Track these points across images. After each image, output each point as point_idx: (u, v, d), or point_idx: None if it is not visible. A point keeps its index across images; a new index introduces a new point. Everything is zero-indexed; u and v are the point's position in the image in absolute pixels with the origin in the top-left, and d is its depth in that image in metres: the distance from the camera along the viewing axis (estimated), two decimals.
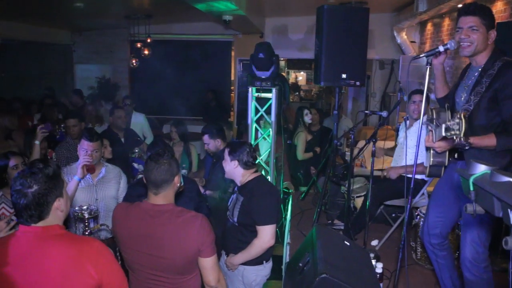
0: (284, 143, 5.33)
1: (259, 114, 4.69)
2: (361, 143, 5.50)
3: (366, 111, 4.78)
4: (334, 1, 7.72)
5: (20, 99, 7.87)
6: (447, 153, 2.92)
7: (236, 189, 3.40)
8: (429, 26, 9.07)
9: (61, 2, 7.62)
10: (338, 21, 4.34)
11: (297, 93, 17.05)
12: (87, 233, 3.17)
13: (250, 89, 4.59)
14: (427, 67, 2.80)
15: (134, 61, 10.15)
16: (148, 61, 10.27)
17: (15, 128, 5.92)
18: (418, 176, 4.38)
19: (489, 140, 2.67)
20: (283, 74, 16.44)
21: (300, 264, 2.90)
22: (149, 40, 9.98)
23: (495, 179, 1.53)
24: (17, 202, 1.92)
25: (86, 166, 3.61)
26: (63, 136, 5.48)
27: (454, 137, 2.30)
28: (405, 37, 9.48)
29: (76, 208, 3.22)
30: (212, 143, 4.54)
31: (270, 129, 4.64)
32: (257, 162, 4.58)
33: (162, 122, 10.12)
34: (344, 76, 4.34)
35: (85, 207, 3.23)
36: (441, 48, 2.80)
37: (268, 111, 4.67)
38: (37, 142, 4.36)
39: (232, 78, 11.61)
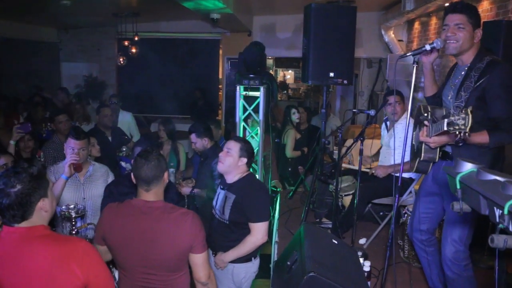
0: (272, 141, 5.33)
1: (247, 113, 4.69)
2: (349, 142, 5.52)
3: (353, 110, 4.80)
4: None
5: (6, 97, 7.78)
6: (438, 149, 2.94)
7: (221, 186, 3.41)
8: (416, 25, 9.12)
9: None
10: (326, 20, 4.34)
11: (285, 91, 17.04)
12: (74, 232, 3.14)
13: (238, 87, 4.58)
14: (413, 66, 2.81)
15: (121, 59, 10.08)
16: (136, 59, 10.22)
17: (0, 126, 5.86)
18: (405, 175, 4.41)
19: (482, 137, 2.68)
20: (271, 72, 16.44)
21: (288, 263, 2.89)
22: (136, 38, 9.92)
23: (481, 177, 1.53)
24: (0, 202, 1.90)
25: (73, 164, 3.57)
26: (50, 135, 5.43)
27: (457, 132, 2.29)
28: (393, 35, 9.52)
29: (63, 207, 3.19)
30: (200, 142, 4.52)
31: (258, 128, 4.63)
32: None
33: (150, 121, 10.08)
34: (331, 74, 4.35)
35: (72, 206, 3.19)
36: (427, 47, 2.82)
37: (256, 110, 4.66)
38: (12, 142, 4.31)
39: (220, 76, 11.59)
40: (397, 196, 3.00)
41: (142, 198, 2.52)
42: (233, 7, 7.14)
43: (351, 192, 4.76)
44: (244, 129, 4.78)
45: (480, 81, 2.74)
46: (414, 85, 2.86)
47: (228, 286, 3.35)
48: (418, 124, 2.96)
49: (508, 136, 2.69)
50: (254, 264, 3.39)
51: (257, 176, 4.64)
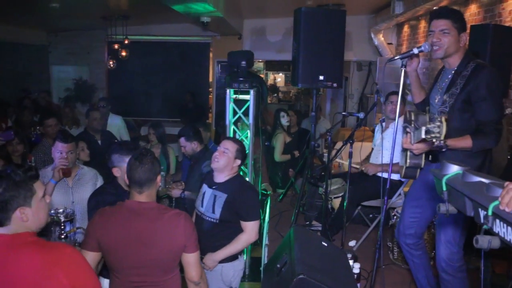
0: (262, 144, 5.34)
1: (237, 116, 4.69)
2: (339, 144, 5.53)
3: (343, 113, 4.82)
4: (312, 3, 7.77)
5: None
6: (424, 155, 2.97)
7: (207, 185, 3.44)
8: (405, 28, 9.20)
9: (36, 2, 7.50)
10: (316, 23, 4.37)
11: (275, 94, 17.08)
12: (63, 236, 3.13)
13: (228, 91, 4.58)
14: (401, 69, 2.84)
15: (111, 62, 10.04)
16: (126, 63, 10.20)
17: None
18: (394, 177, 4.43)
19: (465, 142, 2.72)
20: (262, 75, 16.46)
21: (278, 266, 2.91)
22: (126, 42, 9.90)
23: (466, 179, 1.55)
24: None
25: (62, 169, 3.56)
26: (39, 139, 5.40)
27: (434, 140, 2.34)
28: (382, 39, 9.59)
29: (52, 211, 3.17)
30: (189, 146, 4.52)
31: (248, 131, 4.64)
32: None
33: (140, 124, 10.05)
34: (321, 77, 4.37)
35: (61, 210, 3.18)
36: (415, 50, 2.84)
37: (246, 113, 4.66)
38: None
39: (210, 79, 11.59)
40: (385, 198, 3.02)
41: (135, 199, 2.54)
42: (223, 10, 7.14)
43: (340, 195, 4.78)
44: (234, 132, 4.78)
45: (466, 86, 2.78)
46: (405, 88, 2.89)
47: (218, 287, 3.39)
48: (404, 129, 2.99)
49: (490, 140, 2.73)
50: (241, 261, 3.48)
51: (247, 179, 4.65)
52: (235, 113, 4.69)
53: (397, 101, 4.49)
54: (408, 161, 2.98)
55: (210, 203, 3.34)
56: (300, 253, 2.78)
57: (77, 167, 3.82)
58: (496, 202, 1.31)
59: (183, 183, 4.48)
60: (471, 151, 2.74)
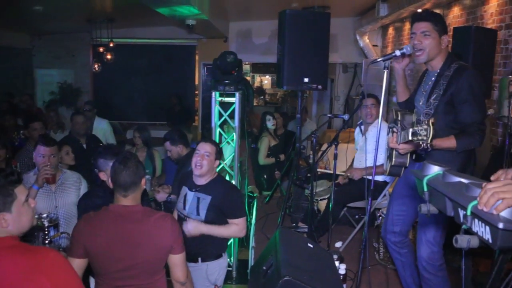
0: (248, 147, 5.34)
1: (222, 119, 4.69)
2: (326, 146, 5.55)
3: (328, 115, 4.85)
4: (297, 5, 7.80)
5: None
6: (409, 154, 3.00)
7: (189, 188, 3.45)
8: (390, 30, 9.27)
9: (19, 4, 7.42)
10: (300, 26, 4.38)
11: (262, 97, 17.07)
12: (47, 241, 3.10)
13: (213, 93, 4.58)
14: (384, 71, 2.87)
15: (96, 65, 9.98)
16: (111, 66, 10.13)
17: None
18: (379, 178, 4.47)
19: (450, 142, 2.76)
20: (248, 78, 16.45)
21: (264, 268, 2.90)
22: (111, 45, 9.84)
23: (447, 179, 1.57)
24: None
25: (46, 178, 3.53)
26: (23, 143, 5.35)
27: (420, 142, 2.36)
28: (368, 41, 9.65)
29: (35, 216, 3.14)
30: (174, 149, 4.52)
31: (234, 134, 4.64)
32: (221, 166, 4.59)
33: (126, 128, 9.99)
34: (306, 80, 4.38)
35: (44, 215, 3.15)
36: (397, 53, 2.88)
37: (231, 116, 4.67)
38: None
39: (196, 82, 11.56)
40: (369, 199, 3.05)
41: (120, 203, 2.54)
42: (208, 13, 7.14)
43: (326, 196, 4.81)
44: (220, 135, 4.78)
45: (449, 88, 2.81)
46: (389, 89, 2.92)
47: (204, 285, 3.43)
48: (390, 129, 3.02)
49: (474, 140, 2.78)
50: (225, 258, 3.55)
51: (233, 182, 4.65)
52: (220, 115, 4.69)
53: (371, 104, 4.59)
54: (393, 159, 3.01)
55: (193, 205, 3.35)
56: (286, 255, 2.78)
57: (59, 171, 3.79)
58: (474, 202, 1.32)
59: (170, 187, 4.47)
60: (455, 151, 2.78)
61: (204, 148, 3.36)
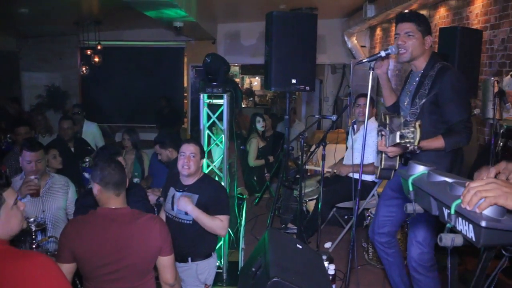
0: (237, 149, 5.34)
1: (211, 121, 4.68)
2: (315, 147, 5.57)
3: (316, 116, 4.86)
4: (285, 7, 7.82)
5: None
6: (398, 157, 3.02)
7: (176, 189, 3.46)
8: (378, 31, 9.32)
9: (5, 7, 7.35)
10: (287, 27, 4.40)
11: (251, 98, 17.08)
12: (34, 246, 3.07)
13: (201, 95, 4.58)
14: (370, 72, 2.89)
15: (84, 68, 9.92)
16: (100, 68, 10.09)
17: None
18: (368, 178, 4.49)
19: (438, 142, 2.79)
20: (237, 79, 16.46)
21: (253, 269, 2.91)
22: (99, 47, 9.79)
23: (431, 179, 1.58)
24: None
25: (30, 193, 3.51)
26: (9, 147, 5.30)
27: (408, 145, 2.39)
28: (356, 42, 9.70)
29: None
30: (164, 153, 4.52)
31: (223, 135, 4.63)
32: (210, 168, 4.59)
33: (115, 130, 9.95)
34: (293, 81, 4.40)
35: (31, 219, 3.13)
36: (382, 53, 2.90)
37: (220, 118, 4.66)
38: None
39: (185, 84, 11.54)
40: (357, 199, 3.06)
41: (108, 206, 2.54)
42: (196, 15, 7.13)
43: (315, 197, 4.82)
44: (209, 137, 4.78)
45: (433, 88, 2.84)
46: (377, 89, 2.94)
47: (194, 285, 3.46)
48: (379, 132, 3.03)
49: (462, 138, 2.80)
50: (214, 258, 3.61)
51: (222, 183, 4.65)
52: (209, 117, 4.69)
53: (364, 104, 4.62)
54: (383, 163, 3.02)
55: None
56: (275, 256, 2.79)
57: (47, 175, 3.76)
58: (458, 201, 1.34)
59: (160, 190, 4.47)
60: (444, 150, 2.80)
61: (189, 149, 3.38)
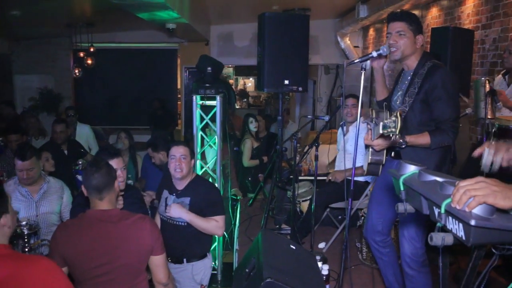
0: (230, 150, 5.34)
1: (204, 122, 4.68)
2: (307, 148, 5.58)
3: (309, 116, 4.87)
4: (277, 8, 7.83)
5: None
6: (385, 151, 3.03)
7: (169, 192, 3.47)
8: (371, 31, 9.36)
9: None
10: (279, 28, 4.40)
11: (245, 99, 17.07)
12: (26, 249, 3.06)
13: (194, 97, 4.57)
14: (361, 72, 2.90)
15: (77, 70, 9.89)
16: (93, 71, 10.06)
17: None
18: (361, 178, 4.50)
19: (424, 139, 2.81)
20: (231, 81, 16.45)
21: (247, 270, 2.91)
22: (92, 49, 9.77)
23: (422, 178, 1.59)
24: None
25: None
26: (2, 149, 5.28)
27: (391, 135, 2.40)
28: (349, 42, 9.73)
29: None
30: (157, 156, 4.52)
31: (216, 137, 4.63)
32: (204, 170, 4.59)
33: (109, 133, 9.92)
34: (286, 82, 4.40)
35: (24, 223, 3.11)
36: (374, 54, 2.91)
37: (213, 119, 4.66)
38: None
39: (179, 86, 11.53)
40: (350, 199, 3.07)
41: (97, 208, 2.52)
42: (188, 17, 7.13)
43: (308, 198, 4.82)
44: (202, 138, 4.78)
45: (423, 86, 2.86)
46: (371, 90, 2.96)
47: (190, 286, 3.47)
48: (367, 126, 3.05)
49: (448, 136, 2.82)
50: (209, 259, 3.62)
51: (216, 185, 4.65)
52: (202, 119, 4.69)
53: (352, 104, 4.63)
54: (370, 157, 3.04)
55: None
56: (268, 257, 2.79)
57: (42, 179, 3.73)
58: (448, 200, 1.34)
59: (154, 193, 4.47)
60: (429, 148, 2.82)
61: (180, 152, 3.38)
